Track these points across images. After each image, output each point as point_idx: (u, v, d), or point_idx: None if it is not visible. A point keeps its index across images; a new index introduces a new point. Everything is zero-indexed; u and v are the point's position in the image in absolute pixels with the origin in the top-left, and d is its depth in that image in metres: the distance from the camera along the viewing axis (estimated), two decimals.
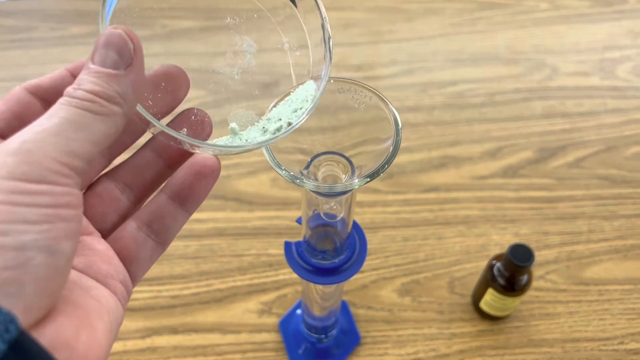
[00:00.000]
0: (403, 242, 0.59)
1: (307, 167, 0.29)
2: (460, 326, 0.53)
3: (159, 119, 0.21)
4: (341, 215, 0.32)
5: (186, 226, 0.59)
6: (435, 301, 0.55)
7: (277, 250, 0.58)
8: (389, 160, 0.25)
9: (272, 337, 0.52)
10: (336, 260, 0.35)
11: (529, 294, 0.55)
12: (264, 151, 0.26)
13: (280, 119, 0.24)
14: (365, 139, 0.29)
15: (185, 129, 0.23)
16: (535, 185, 0.65)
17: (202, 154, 0.22)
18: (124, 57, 0.18)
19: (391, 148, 0.26)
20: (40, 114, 0.20)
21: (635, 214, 0.62)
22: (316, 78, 0.25)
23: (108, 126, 0.18)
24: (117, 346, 0.51)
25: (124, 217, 0.23)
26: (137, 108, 0.19)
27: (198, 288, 0.55)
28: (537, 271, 0.57)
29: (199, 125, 0.23)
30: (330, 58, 0.24)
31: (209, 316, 0.54)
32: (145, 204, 0.23)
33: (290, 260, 0.35)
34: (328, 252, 0.35)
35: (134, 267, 0.22)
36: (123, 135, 0.22)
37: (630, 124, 0.72)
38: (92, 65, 0.18)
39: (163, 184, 0.24)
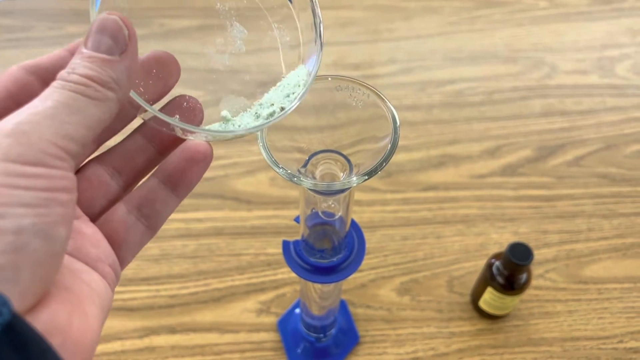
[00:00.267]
0: (402, 241, 0.59)
1: (305, 165, 0.29)
2: (459, 325, 0.53)
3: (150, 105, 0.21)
4: (339, 213, 0.32)
5: (184, 225, 0.59)
6: (434, 300, 0.55)
7: (275, 249, 0.58)
8: (386, 158, 0.25)
9: (271, 337, 0.52)
10: (334, 259, 0.34)
11: (528, 292, 0.55)
12: (262, 149, 0.25)
13: (273, 104, 0.24)
14: (363, 137, 0.29)
15: (177, 116, 0.23)
16: (534, 184, 0.65)
17: (195, 139, 0.22)
18: (118, 43, 0.18)
19: (389, 146, 0.25)
20: (38, 94, 0.20)
21: (634, 213, 0.62)
22: (307, 63, 0.25)
23: (102, 111, 0.18)
24: (115, 346, 0.51)
25: (112, 202, 0.23)
26: (130, 94, 0.19)
27: (196, 287, 0.55)
28: (536, 270, 0.57)
29: (191, 112, 0.23)
30: (321, 43, 0.24)
31: (207, 316, 0.53)
32: (135, 188, 0.23)
33: (288, 259, 0.35)
34: (326, 251, 0.34)
35: (122, 250, 0.22)
36: (113, 120, 0.22)
37: (629, 122, 0.72)
38: (85, 50, 0.18)
39: (154, 169, 0.23)
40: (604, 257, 0.59)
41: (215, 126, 0.24)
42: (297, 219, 0.35)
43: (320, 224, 0.33)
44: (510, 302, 0.50)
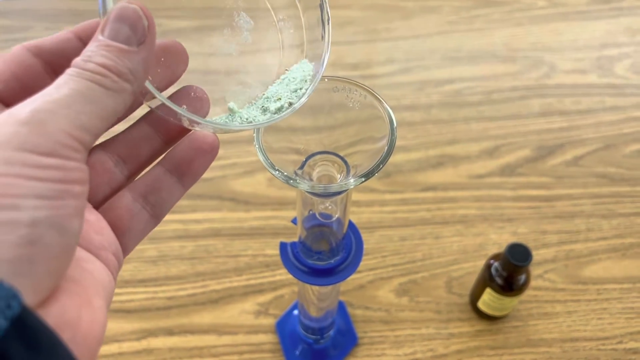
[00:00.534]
0: (400, 241, 0.59)
1: (302, 167, 0.28)
2: (458, 326, 0.53)
3: None
4: (337, 215, 0.32)
5: (182, 227, 0.59)
6: (433, 301, 0.55)
7: (273, 250, 0.58)
8: (384, 160, 0.25)
9: (269, 338, 0.52)
10: (332, 261, 0.34)
11: (527, 293, 0.55)
12: (258, 151, 0.25)
13: (280, 99, 0.24)
14: (360, 138, 0.28)
15: (184, 106, 0.23)
16: (533, 184, 0.65)
17: (201, 130, 0.22)
18: (137, 33, 0.18)
19: (386, 147, 0.25)
20: (42, 77, 0.19)
21: (633, 213, 0.62)
22: (312, 58, 0.25)
23: (117, 102, 0.17)
24: (113, 348, 0.51)
25: (115, 190, 0.22)
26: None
27: (194, 289, 0.55)
28: (535, 270, 0.57)
29: (198, 102, 0.23)
30: (329, 40, 0.24)
31: (205, 317, 0.53)
32: (140, 176, 0.23)
33: (285, 262, 0.35)
34: (324, 253, 0.34)
35: (126, 238, 0.22)
36: None
37: (628, 122, 0.72)
38: (101, 37, 0.18)
39: (159, 158, 0.23)
40: (603, 258, 0.58)
41: (223, 118, 0.24)
42: (294, 221, 0.35)
43: (318, 226, 0.33)
44: (509, 303, 0.50)
